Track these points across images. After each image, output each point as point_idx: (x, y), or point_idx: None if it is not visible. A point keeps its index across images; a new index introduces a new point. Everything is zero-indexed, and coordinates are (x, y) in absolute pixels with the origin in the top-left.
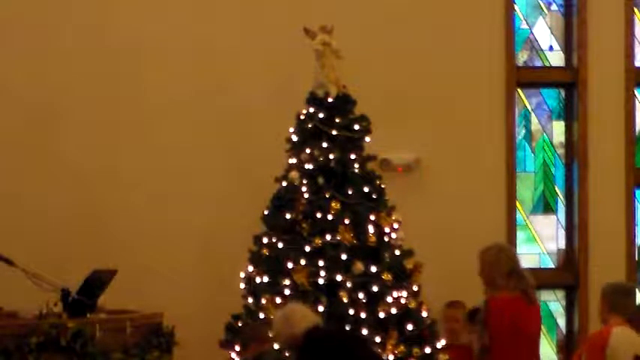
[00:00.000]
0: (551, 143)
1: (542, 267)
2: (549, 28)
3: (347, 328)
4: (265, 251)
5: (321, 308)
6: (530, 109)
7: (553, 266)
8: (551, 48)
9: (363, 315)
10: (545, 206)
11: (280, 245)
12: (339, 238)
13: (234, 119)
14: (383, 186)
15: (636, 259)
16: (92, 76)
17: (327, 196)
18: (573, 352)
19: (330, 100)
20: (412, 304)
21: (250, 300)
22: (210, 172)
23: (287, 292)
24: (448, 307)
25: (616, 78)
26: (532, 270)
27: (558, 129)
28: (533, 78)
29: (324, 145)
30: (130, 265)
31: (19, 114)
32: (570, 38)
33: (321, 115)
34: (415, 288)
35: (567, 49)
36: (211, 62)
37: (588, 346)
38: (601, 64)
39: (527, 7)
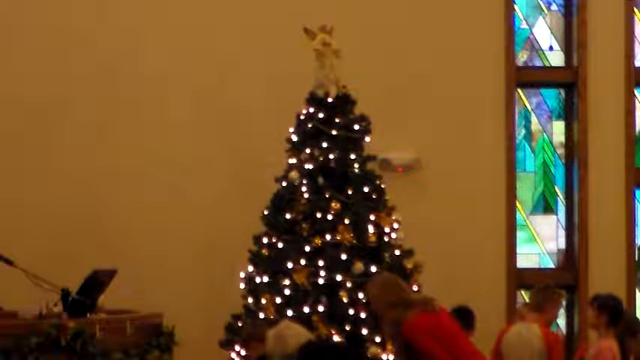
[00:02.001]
0: (551, 143)
1: (542, 267)
2: (549, 28)
3: (347, 327)
4: (265, 251)
5: (321, 308)
6: (530, 109)
7: (553, 266)
8: (551, 48)
9: (363, 315)
10: (545, 206)
11: (280, 245)
12: (339, 238)
13: (234, 119)
14: (383, 186)
15: (636, 259)
16: (92, 76)
17: (327, 196)
18: (574, 353)
19: (330, 100)
20: None
21: (250, 300)
22: (210, 172)
23: (287, 292)
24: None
25: (616, 78)
26: (532, 270)
27: (558, 129)
28: (533, 78)
29: (324, 145)
30: (130, 265)
31: (19, 114)
32: (570, 38)
33: (321, 115)
34: (415, 288)
35: (567, 49)
36: (211, 62)
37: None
38: (601, 64)
39: (527, 7)
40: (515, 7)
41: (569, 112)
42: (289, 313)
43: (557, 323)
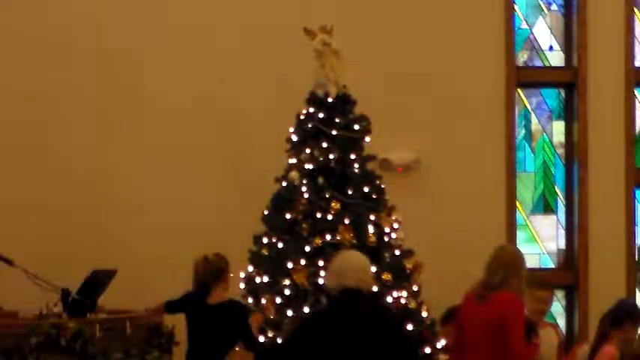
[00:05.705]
0: (551, 143)
1: (542, 267)
2: (549, 28)
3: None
4: (265, 251)
5: None
6: (530, 109)
7: (553, 266)
8: (551, 48)
9: None
10: (545, 206)
11: (280, 245)
12: (339, 238)
13: (234, 120)
14: (383, 186)
15: (636, 259)
16: (92, 76)
17: (327, 196)
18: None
19: (330, 100)
20: (412, 304)
21: (250, 300)
22: (210, 172)
23: (287, 292)
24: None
25: (616, 78)
26: (532, 270)
27: (558, 129)
28: (533, 78)
29: (324, 145)
30: (130, 264)
31: (19, 113)
32: (570, 38)
33: (321, 115)
34: (415, 288)
35: (567, 49)
36: (211, 62)
37: None
38: (601, 64)
39: (527, 7)
40: (515, 7)
41: (569, 112)
42: (289, 313)
43: (557, 323)
